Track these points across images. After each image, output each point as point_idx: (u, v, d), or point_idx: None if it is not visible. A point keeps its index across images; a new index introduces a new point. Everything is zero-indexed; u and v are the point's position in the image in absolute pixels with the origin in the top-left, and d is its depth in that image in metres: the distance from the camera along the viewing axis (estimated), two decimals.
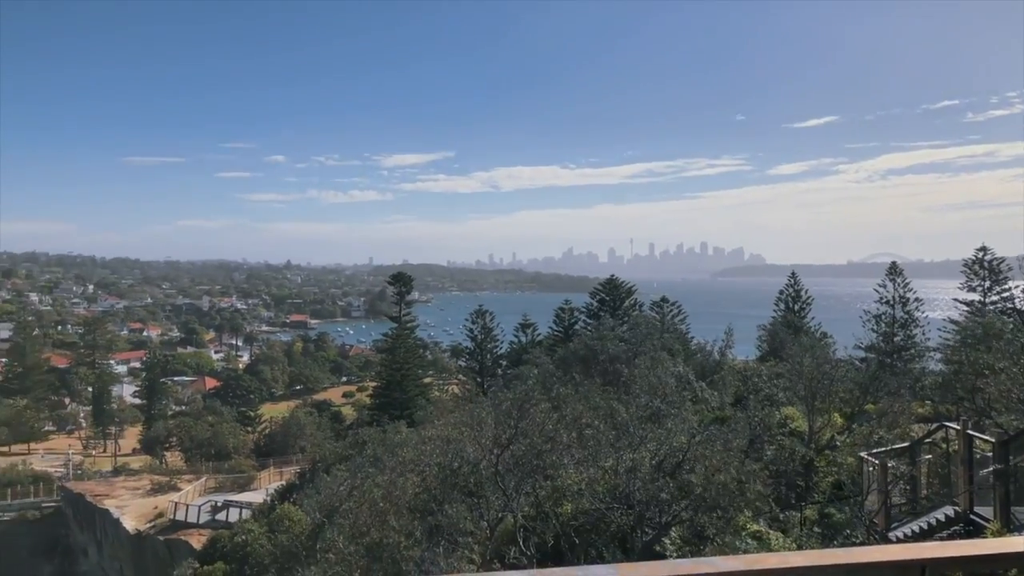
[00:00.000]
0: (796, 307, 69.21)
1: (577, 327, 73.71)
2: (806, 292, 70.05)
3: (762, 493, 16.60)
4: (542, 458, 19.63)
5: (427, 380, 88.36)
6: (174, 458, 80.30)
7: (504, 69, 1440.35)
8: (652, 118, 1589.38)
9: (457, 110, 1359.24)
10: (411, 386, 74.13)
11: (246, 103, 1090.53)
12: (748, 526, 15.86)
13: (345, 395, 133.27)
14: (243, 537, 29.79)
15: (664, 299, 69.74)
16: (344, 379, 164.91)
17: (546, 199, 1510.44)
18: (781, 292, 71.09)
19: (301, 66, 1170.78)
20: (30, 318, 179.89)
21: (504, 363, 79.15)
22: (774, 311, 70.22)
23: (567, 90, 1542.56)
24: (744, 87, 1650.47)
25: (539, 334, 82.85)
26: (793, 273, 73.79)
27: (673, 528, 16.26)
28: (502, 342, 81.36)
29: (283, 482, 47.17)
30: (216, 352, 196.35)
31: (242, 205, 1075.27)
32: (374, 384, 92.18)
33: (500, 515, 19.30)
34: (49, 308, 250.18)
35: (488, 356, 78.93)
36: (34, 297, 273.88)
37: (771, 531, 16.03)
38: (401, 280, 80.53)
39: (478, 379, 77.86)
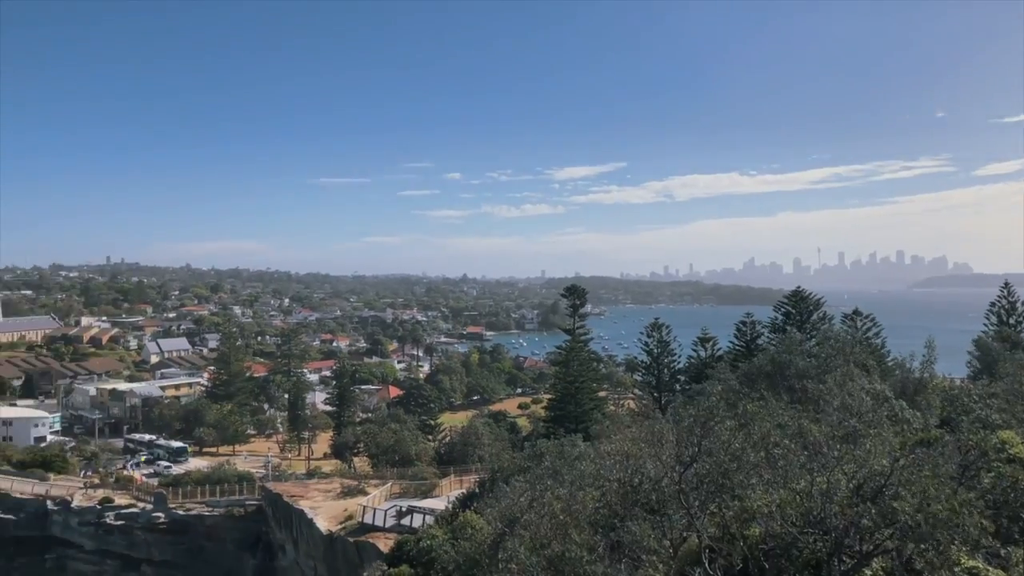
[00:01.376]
0: (1011, 320, 62.78)
1: (760, 342, 70.94)
2: (1023, 304, 63.44)
3: (984, 526, 15.20)
4: (728, 477, 19.04)
5: (602, 393, 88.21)
6: (361, 463, 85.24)
7: (669, 73, 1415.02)
8: (838, 118, 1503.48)
9: (627, 121, 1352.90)
10: (586, 399, 74.29)
11: (424, 124, 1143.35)
12: (963, 561, 14.59)
13: (520, 406, 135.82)
14: (427, 542, 31.10)
15: (856, 311, 65.45)
16: (519, 390, 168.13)
17: (724, 208, 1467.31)
18: (992, 304, 64.83)
19: (473, 85, 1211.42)
20: (234, 329, 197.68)
21: (682, 378, 77.48)
22: (985, 325, 64.05)
23: (739, 90, 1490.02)
24: (945, 80, 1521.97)
25: (719, 348, 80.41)
26: (1006, 283, 66.98)
27: (875, 559, 15.26)
28: (679, 356, 79.68)
29: (463, 490, 48.74)
30: (399, 362, 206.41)
31: (421, 221, 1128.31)
32: (549, 396, 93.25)
33: (683, 534, 18.93)
34: (250, 320, 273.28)
35: (665, 371, 77.55)
36: (237, 310, 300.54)
37: (990, 568, 14.68)
38: (574, 293, 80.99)
39: (655, 394, 76.66)
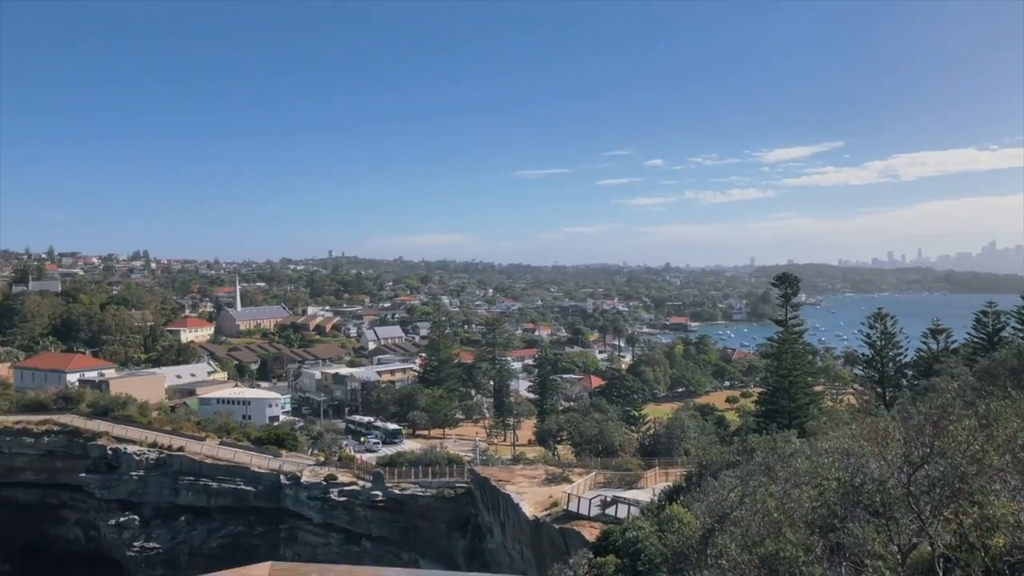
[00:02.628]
0: None
1: (1004, 333, 64.29)
2: None
3: None
4: (966, 481, 17.56)
5: (818, 388, 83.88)
6: (565, 451, 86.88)
7: (894, 43, 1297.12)
8: None
9: (845, 97, 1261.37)
10: (800, 394, 70.93)
11: (625, 112, 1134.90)
12: None
13: (728, 400, 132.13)
14: (633, 533, 31.23)
15: None
16: (727, 383, 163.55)
17: (959, 187, 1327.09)
18: None
19: (673, 70, 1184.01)
20: (443, 318, 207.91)
21: (909, 373, 72.06)
22: None
23: (978, 56, 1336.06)
24: None
25: (954, 341, 73.88)
26: None
27: None
28: (906, 349, 74.10)
29: (669, 483, 48.36)
30: (600, 352, 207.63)
31: (621, 210, 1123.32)
32: (759, 390, 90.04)
33: (913, 540, 17.71)
34: (457, 309, 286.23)
35: (890, 364, 72.50)
36: (445, 300, 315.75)
37: None
38: (786, 281, 77.40)
39: (878, 389, 71.93)
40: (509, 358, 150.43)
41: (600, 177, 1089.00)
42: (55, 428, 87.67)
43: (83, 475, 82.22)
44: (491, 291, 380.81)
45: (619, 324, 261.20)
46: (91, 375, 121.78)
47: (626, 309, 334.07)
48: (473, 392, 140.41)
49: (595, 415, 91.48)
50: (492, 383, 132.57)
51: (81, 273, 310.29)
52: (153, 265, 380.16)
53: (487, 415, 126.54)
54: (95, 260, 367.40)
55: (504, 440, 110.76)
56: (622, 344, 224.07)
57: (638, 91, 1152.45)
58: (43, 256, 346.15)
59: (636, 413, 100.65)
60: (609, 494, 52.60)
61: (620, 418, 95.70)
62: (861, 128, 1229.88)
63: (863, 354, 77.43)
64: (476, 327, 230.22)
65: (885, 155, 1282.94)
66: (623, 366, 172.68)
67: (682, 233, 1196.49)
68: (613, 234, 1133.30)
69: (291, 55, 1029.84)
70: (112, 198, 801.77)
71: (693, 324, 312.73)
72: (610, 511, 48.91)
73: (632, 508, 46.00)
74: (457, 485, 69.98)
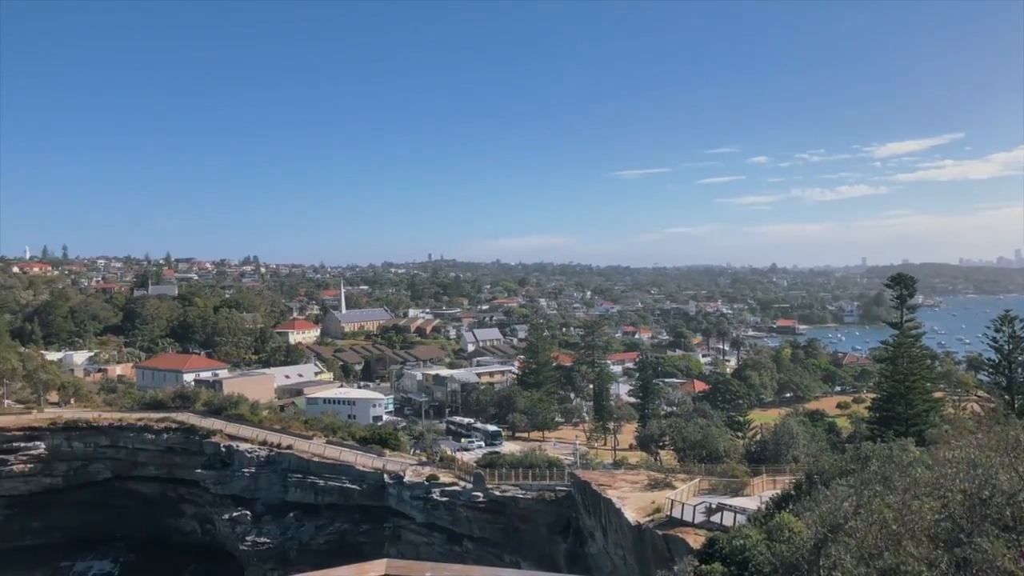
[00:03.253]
0: None
1: None
2: None
3: None
4: None
5: (938, 394, 79.92)
6: (667, 456, 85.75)
7: (1013, 24, 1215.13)
8: None
9: (965, 84, 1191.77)
10: (918, 400, 67.64)
11: (728, 108, 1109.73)
12: None
13: (839, 405, 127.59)
14: (741, 542, 30.52)
15: None
16: (837, 388, 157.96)
17: None
18: None
19: (776, 59, 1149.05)
20: (541, 320, 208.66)
21: None
22: None
23: None
24: None
25: None
26: None
27: None
28: None
29: (776, 491, 47.01)
30: (703, 355, 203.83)
31: (724, 210, 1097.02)
32: (873, 396, 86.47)
33: None
34: (555, 312, 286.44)
35: (1019, 370, 68.29)
36: (543, 302, 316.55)
37: None
38: (901, 282, 74.03)
39: (1005, 396, 67.87)
40: (609, 361, 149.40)
41: (702, 176, 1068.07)
42: (173, 425, 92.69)
43: (199, 471, 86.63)
44: (589, 293, 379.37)
45: (723, 327, 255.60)
46: (206, 375, 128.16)
47: (730, 312, 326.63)
48: (572, 395, 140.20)
49: (699, 420, 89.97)
50: (591, 386, 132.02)
51: (196, 278, 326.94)
52: (263, 270, 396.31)
53: (586, 419, 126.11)
54: (209, 265, 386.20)
55: (604, 444, 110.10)
56: (726, 348, 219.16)
57: (740, 85, 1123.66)
58: (161, 262, 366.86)
59: (741, 418, 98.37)
60: (714, 501, 51.60)
61: (725, 423, 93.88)
62: (984, 119, 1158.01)
63: (988, 359, 73.10)
64: (574, 330, 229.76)
65: (1011, 146, 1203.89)
66: (728, 370, 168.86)
67: (789, 232, 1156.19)
68: (716, 234, 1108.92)
69: (389, 53, 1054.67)
70: (224, 207, 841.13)
71: (801, 327, 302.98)
72: (715, 518, 47.97)
73: (738, 516, 44.97)
74: (557, 488, 70.04)
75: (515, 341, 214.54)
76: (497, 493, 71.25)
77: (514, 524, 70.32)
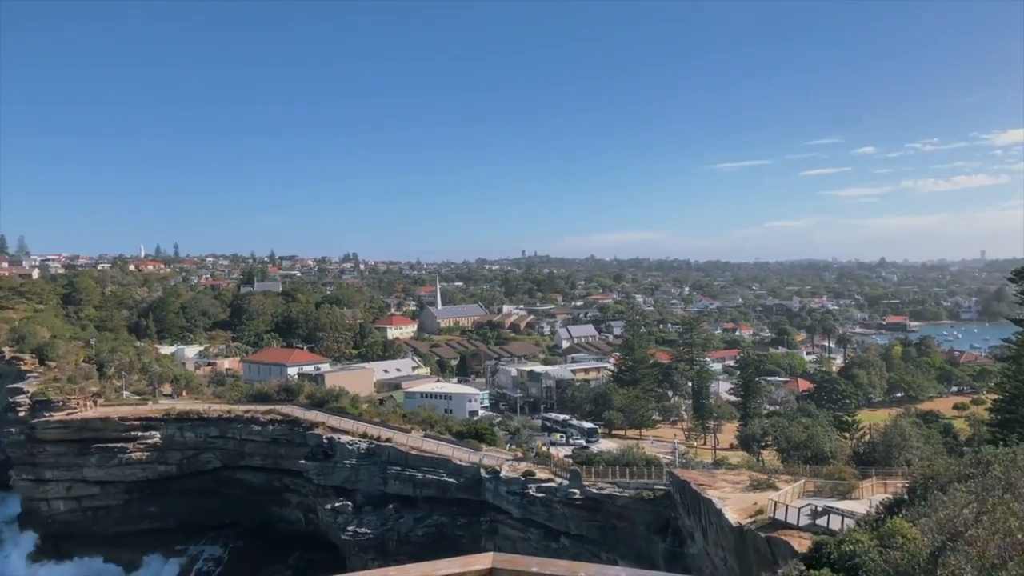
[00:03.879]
0: None
1: None
2: None
3: None
4: None
5: None
6: (770, 456, 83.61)
7: None
8: None
9: None
10: None
11: (831, 97, 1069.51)
12: None
13: (956, 407, 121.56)
14: (850, 547, 29.42)
15: None
16: (954, 389, 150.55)
17: None
18: None
19: (882, 43, 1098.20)
20: (637, 317, 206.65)
21: None
22: None
23: None
24: None
25: None
26: None
27: None
28: None
29: (887, 495, 45.15)
30: (808, 353, 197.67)
31: (829, 202, 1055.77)
32: (994, 397, 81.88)
33: None
34: (651, 308, 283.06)
35: None
36: (639, 298, 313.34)
37: None
38: None
39: None
40: (708, 359, 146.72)
41: (805, 167, 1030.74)
42: (278, 417, 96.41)
43: (302, 461, 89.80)
44: (687, 289, 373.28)
45: (828, 324, 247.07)
46: (308, 369, 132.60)
47: (836, 308, 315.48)
48: (670, 393, 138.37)
49: (803, 420, 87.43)
50: (690, 384, 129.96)
51: (298, 275, 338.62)
52: (361, 266, 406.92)
53: (685, 417, 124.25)
54: (310, 262, 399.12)
55: (704, 443, 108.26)
56: (832, 345, 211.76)
57: (845, 73, 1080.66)
58: (266, 259, 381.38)
59: (848, 419, 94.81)
60: (820, 504, 49.99)
61: (831, 424, 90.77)
62: None
63: None
64: (672, 326, 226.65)
65: None
66: (833, 368, 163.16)
67: (898, 225, 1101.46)
68: (820, 227, 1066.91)
69: (480, 51, 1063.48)
70: (325, 206, 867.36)
71: (913, 324, 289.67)
72: (821, 521, 46.49)
73: (846, 519, 43.46)
74: (656, 487, 69.30)
75: (610, 338, 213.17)
76: (594, 490, 71.07)
77: (611, 522, 70.02)
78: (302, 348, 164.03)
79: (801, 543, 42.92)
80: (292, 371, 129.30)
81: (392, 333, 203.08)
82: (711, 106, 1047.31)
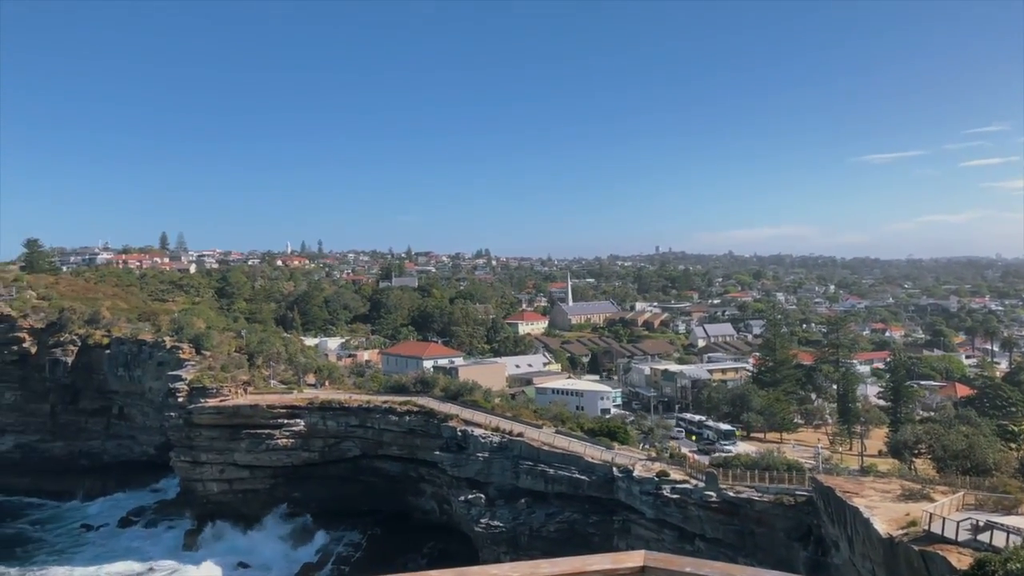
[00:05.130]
0: None
1: None
2: None
3: None
4: None
5: None
6: (923, 465, 78.87)
7: None
8: None
9: None
10: None
11: (994, 80, 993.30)
12: None
13: None
14: (1018, 565, 27.54)
15: None
16: None
17: None
18: None
19: None
20: (778, 316, 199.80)
21: None
22: None
23: None
24: None
25: None
26: None
27: None
28: None
29: None
30: (967, 357, 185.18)
31: (992, 195, 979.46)
32: None
33: None
34: (794, 307, 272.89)
35: None
36: (780, 296, 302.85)
37: None
38: None
39: None
40: (855, 361, 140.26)
41: (963, 158, 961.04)
42: (414, 409, 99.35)
43: (437, 453, 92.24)
44: (832, 287, 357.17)
45: (991, 325, 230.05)
46: (443, 362, 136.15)
47: (1000, 308, 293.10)
48: (813, 396, 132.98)
49: (962, 428, 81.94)
50: (835, 387, 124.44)
51: (433, 270, 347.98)
52: (494, 262, 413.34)
53: (829, 421, 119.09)
54: (445, 258, 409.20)
55: (849, 449, 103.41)
56: (995, 348, 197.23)
57: (1012, 54, 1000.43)
58: (403, 255, 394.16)
59: (1015, 428, 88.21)
60: (981, 518, 46.74)
61: (994, 433, 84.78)
62: None
63: None
64: (816, 326, 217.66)
65: None
66: (997, 374, 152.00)
67: None
68: (981, 222, 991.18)
69: (605, 47, 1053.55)
70: (459, 203, 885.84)
71: None
72: (983, 537, 43.46)
73: (1012, 536, 40.51)
74: (797, 493, 66.86)
75: (749, 337, 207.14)
76: (731, 494, 69.32)
77: (749, 527, 68.09)
78: (437, 342, 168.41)
79: (961, 560, 40.37)
80: (427, 364, 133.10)
81: (523, 329, 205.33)
82: (858, 94, 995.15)
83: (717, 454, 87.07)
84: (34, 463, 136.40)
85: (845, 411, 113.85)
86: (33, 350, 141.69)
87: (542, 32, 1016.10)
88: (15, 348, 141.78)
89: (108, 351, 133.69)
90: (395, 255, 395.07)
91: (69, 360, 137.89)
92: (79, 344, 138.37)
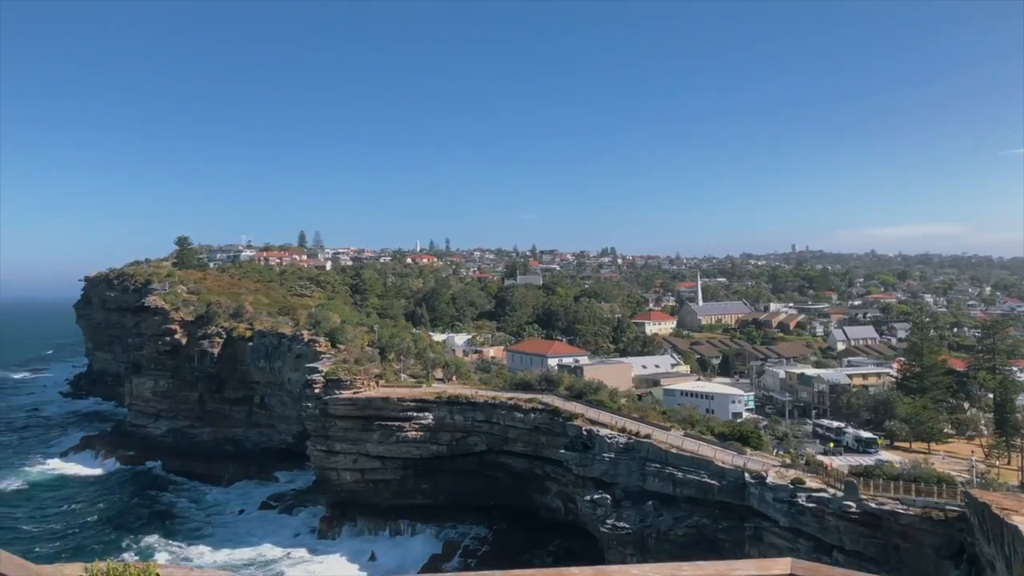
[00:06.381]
0: None
1: None
2: None
3: None
4: None
5: None
6: None
7: None
8: None
9: None
10: None
11: None
12: None
13: None
14: None
15: None
16: None
17: None
18: None
19: None
20: (926, 319, 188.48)
21: None
22: None
23: None
24: None
25: None
26: None
27: None
28: None
29: None
30: None
31: None
32: None
33: None
34: (943, 310, 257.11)
35: None
36: (928, 298, 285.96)
37: None
38: None
39: None
40: (1014, 368, 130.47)
41: None
42: (539, 406, 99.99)
43: (562, 451, 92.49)
44: (989, 289, 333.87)
45: None
46: (567, 361, 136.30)
47: None
48: (966, 404, 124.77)
49: None
50: (991, 396, 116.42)
51: (558, 268, 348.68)
52: (619, 261, 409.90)
53: (984, 432, 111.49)
54: (569, 256, 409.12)
55: (1007, 463, 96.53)
56: None
57: None
58: (527, 253, 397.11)
59: None
60: None
61: None
62: None
63: None
64: (969, 330, 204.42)
65: None
66: None
67: None
68: None
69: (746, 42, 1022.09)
70: (583, 202, 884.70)
71: None
72: None
73: None
74: (948, 508, 63.08)
75: (893, 341, 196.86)
76: (873, 505, 66.15)
77: (893, 541, 64.75)
78: (562, 340, 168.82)
79: None
80: (552, 362, 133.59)
81: (650, 329, 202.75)
82: (1007, 82, 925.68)
83: (857, 463, 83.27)
84: (184, 447, 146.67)
85: (1003, 422, 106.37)
86: (184, 341, 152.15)
87: (690, 28, 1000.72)
88: (168, 339, 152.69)
89: (251, 343, 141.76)
90: (519, 253, 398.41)
91: (215, 351, 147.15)
92: (224, 336, 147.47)
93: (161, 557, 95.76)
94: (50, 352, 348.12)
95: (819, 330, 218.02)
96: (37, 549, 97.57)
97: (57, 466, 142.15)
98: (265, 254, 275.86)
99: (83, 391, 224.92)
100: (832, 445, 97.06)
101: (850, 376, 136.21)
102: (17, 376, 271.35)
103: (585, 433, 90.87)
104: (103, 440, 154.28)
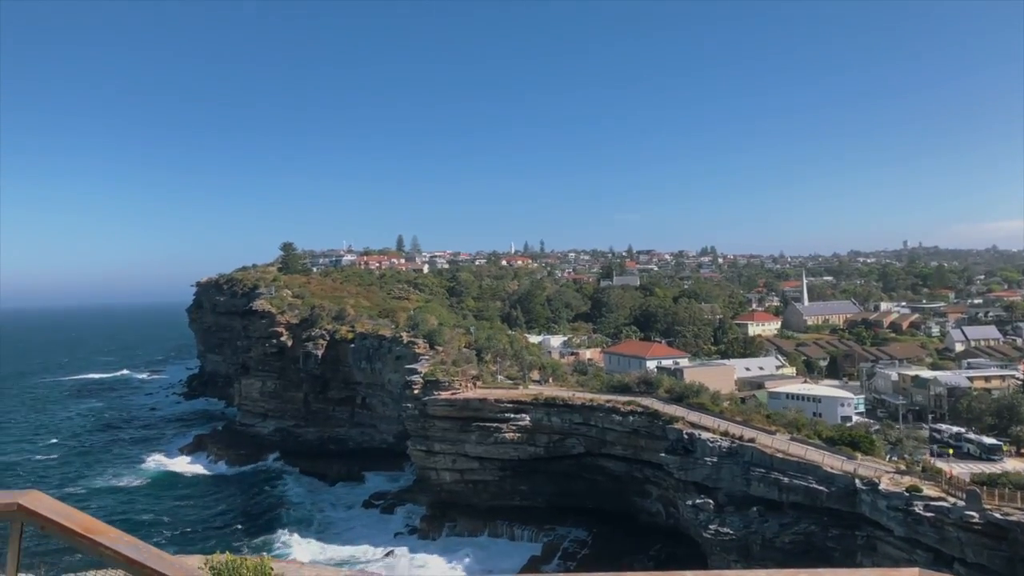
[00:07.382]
0: None
1: None
2: None
3: None
4: None
5: None
6: None
7: None
8: None
9: None
10: None
11: None
12: None
13: None
14: None
15: None
16: None
17: None
18: None
19: None
20: None
21: None
22: None
23: None
24: None
25: None
26: None
27: None
28: None
29: None
30: None
31: None
32: None
33: None
34: None
35: None
36: None
37: None
38: None
39: None
40: None
41: None
42: (638, 409, 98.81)
43: (662, 455, 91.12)
44: None
45: None
46: (666, 363, 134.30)
47: None
48: None
49: None
50: None
51: (655, 269, 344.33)
52: (720, 260, 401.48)
53: None
54: (667, 256, 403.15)
55: None
56: None
57: None
58: (623, 254, 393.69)
59: None
60: None
61: None
62: None
63: None
64: None
65: None
66: None
67: None
68: None
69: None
70: (682, 201, 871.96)
71: None
72: None
73: None
74: None
75: (1018, 341, 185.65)
76: (998, 515, 62.55)
77: (1020, 554, 61.05)
78: (660, 342, 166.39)
79: None
80: (651, 364, 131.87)
81: (753, 330, 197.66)
82: None
83: (980, 470, 78.89)
84: (290, 446, 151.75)
85: None
86: (289, 343, 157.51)
87: (798, 24, 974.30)
88: (275, 341, 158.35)
89: (352, 345, 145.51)
90: (615, 254, 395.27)
91: (319, 353, 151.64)
92: (328, 338, 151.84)
93: (273, 552, 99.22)
94: (169, 355, 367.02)
95: (935, 330, 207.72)
96: (155, 540, 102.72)
97: (174, 463, 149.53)
98: (365, 258, 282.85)
99: (195, 392, 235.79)
100: (951, 452, 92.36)
101: (970, 378, 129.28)
102: (140, 376, 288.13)
103: (686, 436, 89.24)
104: (215, 439, 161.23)
